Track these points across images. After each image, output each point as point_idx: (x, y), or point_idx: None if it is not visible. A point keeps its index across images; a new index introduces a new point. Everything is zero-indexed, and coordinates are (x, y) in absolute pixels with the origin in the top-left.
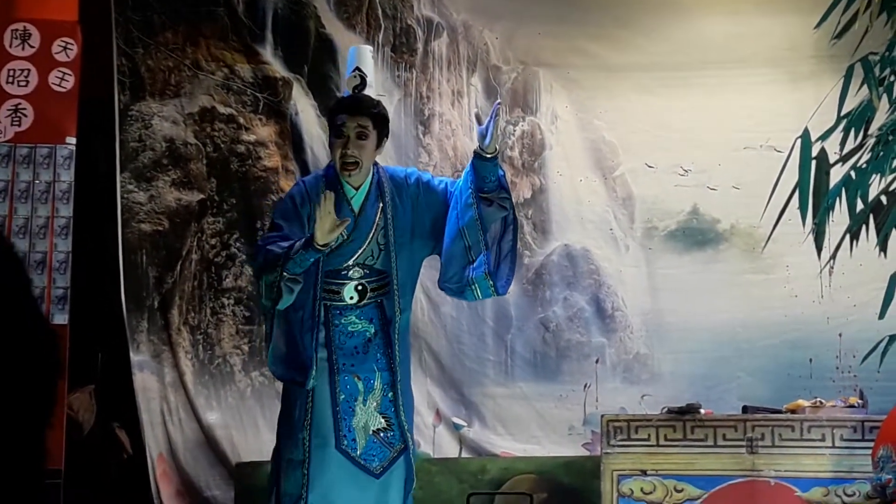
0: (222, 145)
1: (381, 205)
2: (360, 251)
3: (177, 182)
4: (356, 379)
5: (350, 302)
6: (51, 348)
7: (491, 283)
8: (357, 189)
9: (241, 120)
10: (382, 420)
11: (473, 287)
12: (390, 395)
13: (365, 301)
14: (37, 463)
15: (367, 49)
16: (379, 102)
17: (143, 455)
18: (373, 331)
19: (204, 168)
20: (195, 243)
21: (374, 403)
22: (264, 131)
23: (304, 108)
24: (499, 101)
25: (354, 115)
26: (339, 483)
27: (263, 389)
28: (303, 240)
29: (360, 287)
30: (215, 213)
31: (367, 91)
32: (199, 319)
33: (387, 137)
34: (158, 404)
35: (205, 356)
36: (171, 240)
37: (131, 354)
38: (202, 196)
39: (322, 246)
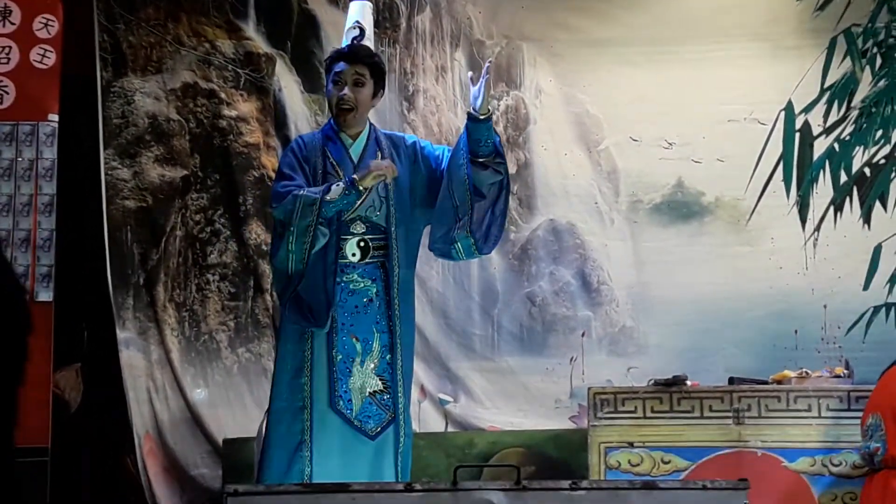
0: (205, 121)
1: (379, 154)
2: (362, 199)
3: (160, 158)
4: (354, 340)
5: (353, 259)
6: (19, 304)
7: (472, 241)
8: (355, 140)
9: (223, 95)
10: (379, 382)
11: (456, 245)
12: (388, 357)
13: (367, 259)
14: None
15: (368, 5)
16: (376, 53)
17: (130, 433)
18: (374, 291)
19: (187, 144)
20: (179, 219)
21: (372, 365)
22: (246, 107)
23: (288, 84)
24: (490, 60)
25: (352, 63)
26: (335, 443)
27: (250, 366)
28: (339, 183)
29: (362, 243)
30: (199, 189)
31: (366, 43)
32: (184, 296)
33: (384, 90)
34: (145, 382)
35: (191, 333)
36: (155, 216)
37: (117, 332)
38: (186, 172)
39: (364, 189)
